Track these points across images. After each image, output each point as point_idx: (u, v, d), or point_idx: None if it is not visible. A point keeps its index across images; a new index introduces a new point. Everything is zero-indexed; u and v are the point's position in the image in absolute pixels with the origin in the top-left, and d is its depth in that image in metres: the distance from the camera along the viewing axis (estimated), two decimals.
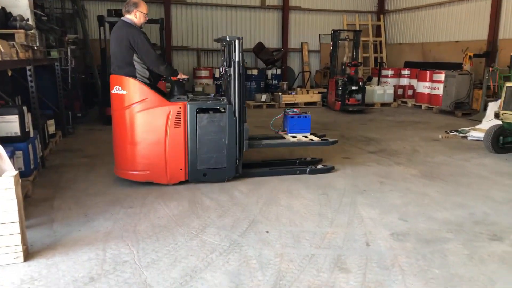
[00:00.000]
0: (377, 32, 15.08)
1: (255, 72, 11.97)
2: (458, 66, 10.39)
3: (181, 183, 4.54)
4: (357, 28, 13.99)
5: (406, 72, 12.44)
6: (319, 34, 14.58)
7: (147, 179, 4.48)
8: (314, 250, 3.12)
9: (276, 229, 3.48)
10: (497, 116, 5.96)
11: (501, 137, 6.01)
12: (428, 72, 10.87)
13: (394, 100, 11.65)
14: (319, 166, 5.18)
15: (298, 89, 12.00)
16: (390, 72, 12.57)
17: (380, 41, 14.89)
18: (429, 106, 10.71)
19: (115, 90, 4.35)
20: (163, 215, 3.74)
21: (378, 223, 3.63)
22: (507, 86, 5.90)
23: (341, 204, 4.07)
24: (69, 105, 7.66)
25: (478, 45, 10.87)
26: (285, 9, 14.05)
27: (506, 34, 10.32)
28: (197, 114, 4.44)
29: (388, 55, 14.81)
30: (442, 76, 10.12)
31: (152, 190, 4.38)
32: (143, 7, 4.43)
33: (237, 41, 4.40)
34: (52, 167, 5.26)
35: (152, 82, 4.49)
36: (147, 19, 4.53)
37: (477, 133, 6.97)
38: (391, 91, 11.51)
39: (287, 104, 11.25)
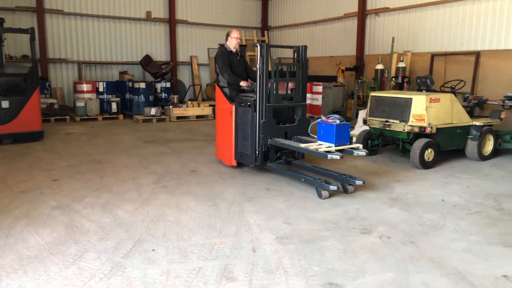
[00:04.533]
0: None
1: (142, 85, 11.58)
2: (333, 79, 11.45)
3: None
4: (244, 43, 14.54)
5: None
6: (208, 48, 14.78)
7: (219, 157, 6.14)
8: (201, 262, 3.09)
9: (163, 246, 3.37)
10: (365, 122, 6.70)
11: (369, 141, 6.76)
12: (308, 84, 11.74)
13: None
14: (332, 185, 4.54)
15: (189, 102, 11.95)
16: None
17: None
18: (311, 115, 11.55)
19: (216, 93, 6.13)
20: (34, 245, 3.35)
21: (264, 228, 3.76)
22: (372, 96, 6.67)
23: (230, 214, 4.12)
24: None
25: (349, 60, 12.14)
26: (172, 23, 13.95)
27: (370, 50, 11.73)
28: (238, 107, 5.51)
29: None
30: (320, 88, 11.03)
31: (21, 217, 3.90)
32: (233, 33, 5.97)
33: (258, 47, 5.12)
34: None
35: (232, 88, 5.80)
36: (238, 41, 6.03)
37: None
38: None
39: (178, 118, 11.14)
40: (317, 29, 13.59)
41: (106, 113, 11.31)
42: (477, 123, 6.42)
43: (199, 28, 14.71)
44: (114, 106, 11.29)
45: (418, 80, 7.41)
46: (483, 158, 6.43)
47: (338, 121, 4.67)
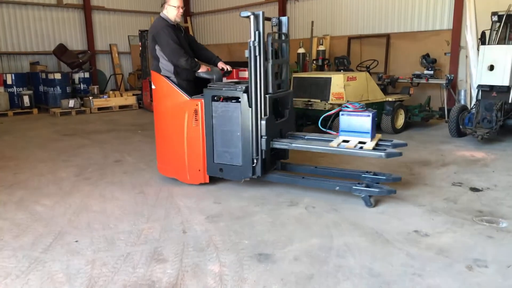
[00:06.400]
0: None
1: (58, 76, 10.76)
2: None
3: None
4: None
5: None
6: (128, 36, 14.14)
7: (172, 175, 4.51)
8: (129, 248, 3.01)
9: (88, 237, 3.21)
10: None
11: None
12: (234, 70, 11.77)
13: None
14: (383, 187, 3.77)
15: (111, 92, 11.39)
16: None
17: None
18: None
19: (152, 86, 4.53)
20: None
21: (194, 210, 3.75)
22: (294, 77, 6.90)
23: (158, 199, 4.04)
24: None
25: None
26: (87, 9, 13.09)
27: (292, 35, 11.98)
28: (212, 103, 4.09)
29: None
30: (246, 73, 11.10)
31: None
32: (174, 0, 4.29)
33: (252, 17, 3.81)
34: None
35: (181, 77, 4.34)
36: (181, 12, 4.37)
37: None
38: None
39: (100, 109, 10.58)
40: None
41: (17, 108, 10.37)
42: (390, 99, 6.93)
43: (118, 14, 13.99)
44: (26, 99, 10.38)
45: (336, 61, 7.80)
46: (396, 131, 6.98)
47: (369, 109, 3.88)
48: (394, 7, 9.50)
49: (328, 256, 2.86)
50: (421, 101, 7.96)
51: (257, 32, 3.82)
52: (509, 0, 6.86)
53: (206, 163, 4.24)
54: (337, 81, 6.19)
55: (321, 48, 10.12)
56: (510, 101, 6.11)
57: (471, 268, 2.69)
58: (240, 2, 13.41)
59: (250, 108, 3.93)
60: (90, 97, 10.64)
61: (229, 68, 4.68)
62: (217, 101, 4.10)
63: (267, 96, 3.96)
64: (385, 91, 7.27)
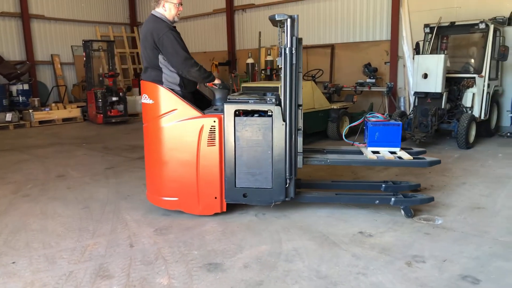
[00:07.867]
0: (133, 44, 15.23)
1: None
2: None
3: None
4: (112, 39, 13.76)
5: None
6: (71, 46, 13.59)
7: (176, 208, 3.80)
8: (72, 266, 2.88)
9: (26, 257, 3.03)
10: None
11: None
12: None
13: None
14: (418, 195, 3.81)
15: (54, 104, 10.87)
16: None
17: (137, 53, 15.09)
18: None
19: (143, 99, 3.79)
20: None
21: (143, 223, 3.66)
22: (243, 87, 6.96)
23: (104, 214, 3.90)
24: None
25: (222, 55, 12.43)
26: (24, 18, 12.42)
27: (241, 45, 12.19)
28: (235, 118, 3.54)
29: None
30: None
31: None
32: None
33: (289, 20, 3.34)
34: None
35: (187, 89, 3.75)
36: (181, 10, 3.78)
37: None
38: None
39: (41, 122, 10.05)
40: (189, 25, 13.58)
41: None
42: (335, 107, 7.20)
43: (60, 24, 13.42)
44: None
45: None
46: (341, 137, 7.24)
47: (395, 118, 3.87)
48: (337, 19, 9.94)
49: (277, 261, 2.90)
50: (364, 108, 8.35)
51: (294, 38, 3.42)
52: (440, 13, 7.43)
53: (225, 189, 3.68)
54: None
55: (269, 58, 10.30)
56: (443, 107, 6.57)
57: (410, 264, 2.84)
58: (189, 12, 13.36)
59: (284, 122, 3.52)
60: (30, 110, 10.09)
61: None
62: (238, 115, 3.60)
63: (300, 108, 3.59)
64: (330, 99, 7.55)
